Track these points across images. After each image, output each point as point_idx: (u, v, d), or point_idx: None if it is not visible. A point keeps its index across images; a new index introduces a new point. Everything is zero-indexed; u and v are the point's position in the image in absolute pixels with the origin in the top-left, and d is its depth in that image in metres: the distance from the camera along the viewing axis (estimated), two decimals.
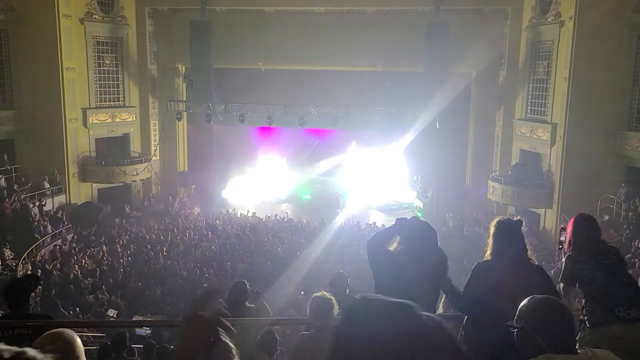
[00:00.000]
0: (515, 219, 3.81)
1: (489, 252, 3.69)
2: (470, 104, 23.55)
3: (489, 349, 3.49)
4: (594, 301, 3.69)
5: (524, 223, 3.78)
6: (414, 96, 22.07)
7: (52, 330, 2.43)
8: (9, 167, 20.82)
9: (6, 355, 1.07)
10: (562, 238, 4.05)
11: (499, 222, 3.70)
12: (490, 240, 3.68)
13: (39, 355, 1.08)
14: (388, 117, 21.71)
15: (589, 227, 3.89)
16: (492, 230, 3.70)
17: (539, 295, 2.34)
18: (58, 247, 18.75)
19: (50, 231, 19.46)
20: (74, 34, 22.04)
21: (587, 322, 3.73)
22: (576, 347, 2.22)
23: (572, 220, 3.98)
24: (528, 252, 3.71)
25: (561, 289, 3.90)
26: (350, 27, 22.58)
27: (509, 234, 3.63)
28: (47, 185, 21.48)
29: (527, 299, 2.33)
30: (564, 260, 3.91)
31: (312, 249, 19.17)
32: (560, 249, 4.12)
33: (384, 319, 1.04)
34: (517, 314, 2.32)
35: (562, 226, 4.18)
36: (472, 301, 3.63)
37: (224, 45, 23.15)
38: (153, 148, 24.97)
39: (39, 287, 11.95)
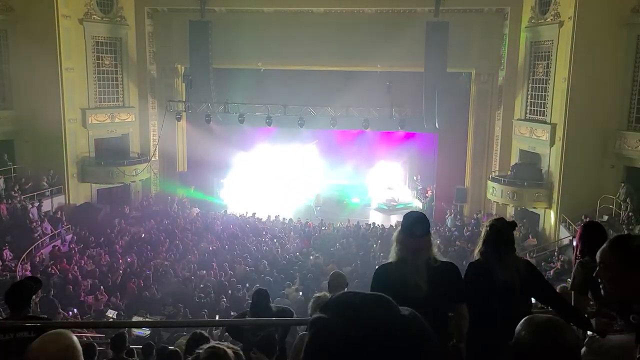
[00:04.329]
0: (510, 220, 3.88)
1: (477, 251, 3.76)
2: (470, 104, 23.54)
3: (483, 350, 3.51)
4: (608, 309, 3.68)
5: (517, 225, 3.82)
6: (414, 96, 22.07)
7: (51, 331, 2.42)
8: (8, 168, 20.83)
9: None
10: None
11: (491, 225, 3.75)
12: (480, 242, 3.75)
13: None
14: (388, 117, 21.69)
15: (599, 233, 3.95)
16: (483, 231, 3.77)
17: (536, 316, 2.06)
18: (57, 247, 18.72)
19: (50, 232, 19.44)
20: (73, 34, 22.03)
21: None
22: None
23: (581, 227, 4.03)
24: (517, 252, 3.77)
25: (573, 298, 3.92)
26: (350, 27, 22.57)
27: (499, 236, 3.67)
28: (45, 185, 21.47)
29: (524, 320, 2.04)
30: (574, 267, 3.91)
31: (312, 250, 19.19)
32: (575, 255, 4.14)
33: (360, 311, 1.03)
34: (515, 334, 2.05)
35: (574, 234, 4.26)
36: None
37: (223, 46, 23.13)
38: (152, 148, 24.94)
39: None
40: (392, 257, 3.57)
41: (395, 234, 3.63)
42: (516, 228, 3.80)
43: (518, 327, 2.02)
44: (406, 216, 3.62)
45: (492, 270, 3.58)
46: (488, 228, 3.72)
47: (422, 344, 1.03)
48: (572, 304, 3.91)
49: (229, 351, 2.27)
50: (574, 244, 4.17)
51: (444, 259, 3.63)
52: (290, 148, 27.64)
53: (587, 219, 18.04)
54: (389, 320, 1.02)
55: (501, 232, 3.68)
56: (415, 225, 3.51)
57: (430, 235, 3.57)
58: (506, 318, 3.32)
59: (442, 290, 3.37)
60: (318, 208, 25.42)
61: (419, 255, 3.45)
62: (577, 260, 3.89)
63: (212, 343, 2.30)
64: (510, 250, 3.68)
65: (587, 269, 3.77)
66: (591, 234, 3.94)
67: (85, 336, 11.02)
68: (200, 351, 2.23)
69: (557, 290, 7.33)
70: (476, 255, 3.76)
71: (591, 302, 4.00)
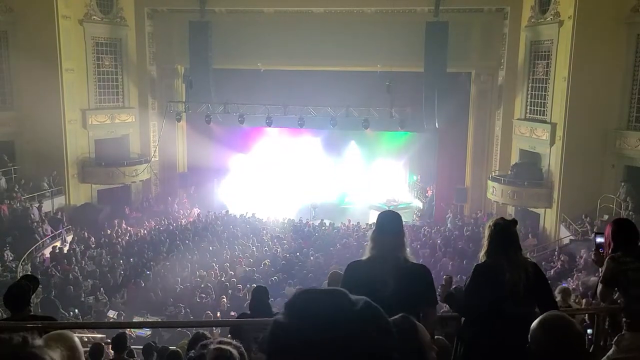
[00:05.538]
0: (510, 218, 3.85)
1: (483, 252, 3.73)
2: (470, 104, 23.53)
3: (488, 350, 3.49)
4: (636, 303, 3.67)
5: (518, 222, 3.81)
6: (414, 96, 22.07)
7: (52, 332, 2.43)
8: (9, 168, 20.83)
9: (15, 341, 1.13)
10: (599, 240, 4.07)
11: (495, 224, 3.72)
12: (485, 242, 3.71)
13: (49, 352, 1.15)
14: (388, 117, 21.69)
15: (631, 229, 3.93)
16: (487, 232, 3.73)
17: (548, 315, 2.34)
18: (58, 248, 18.72)
19: (50, 232, 19.44)
20: (73, 35, 22.02)
21: (625, 325, 3.71)
22: None
23: (611, 223, 4.02)
24: (522, 251, 3.74)
25: (599, 291, 3.91)
26: (350, 27, 22.56)
27: (504, 234, 3.65)
28: (46, 186, 21.47)
29: (538, 318, 2.34)
30: (605, 261, 3.88)
31: (312, 250, 19.18)
32: (595, 253, 4.13)
33: (318, 309, 1.05)
34: (530, 333, 2.34)
35: (595, 231, 4.23)
36: (472, 302, 3.63)
37: (223, 46, 23.13)
38: (152, 149, 24.95)
39: (38, 288, 11.93)
40: (365, 255, 3.58)
41: (370, 232, 3.64)
42: (517, 225, 3.78)
43: (533, 325, 2.32)
44: (380, 215, 3.64)
45: (499, 270, 3.53)
46: (492, 227, 3.68)
47: (375, 336, 1.04)
48: (598, 295, 3.92)
49: (235, 352, 2.31)
50: (597, 240, 4.15)
51: (415, 261, 3.61)
52: (291, 144, 27.55)
53: (588, 218, 18.11)
54: (341, 316, 1.03)
55: (505, 230, 3.65)
56: (387, 224, 3.52)
57: (403, 235, 3.56)
58: (514, 318, 3.31)
59: (410, 291, 3.30)
60: (316, 209, 25.40)
61: (389, 254, 3.44)
62: (609, 255, 3.87)
63: (218, 341, 2.34)
64: (516, 249, 3.65)
65: (617, 264, 3.76)
66: (625, 230, 3.90)
67: (85, 336, 11.02)
68: (204, 351, 2.27)
69: (557, 291, 7.33)
70: (482, 257, 3.70)
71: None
